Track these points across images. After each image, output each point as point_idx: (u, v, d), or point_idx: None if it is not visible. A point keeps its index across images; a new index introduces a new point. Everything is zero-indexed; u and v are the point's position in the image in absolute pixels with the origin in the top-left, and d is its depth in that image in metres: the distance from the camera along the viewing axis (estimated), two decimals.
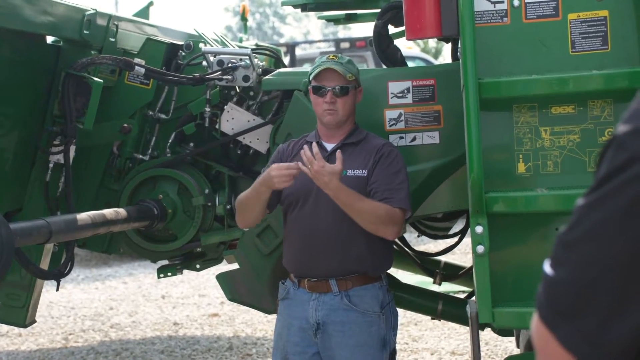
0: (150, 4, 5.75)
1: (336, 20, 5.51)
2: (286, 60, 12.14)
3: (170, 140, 4.57)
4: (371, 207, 3.38)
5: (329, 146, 3.57)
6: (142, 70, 4.25)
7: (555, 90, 3.30)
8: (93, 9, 4.35)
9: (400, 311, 3.81)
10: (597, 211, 1.12)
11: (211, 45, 4.61)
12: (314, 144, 3.40)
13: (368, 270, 3.51)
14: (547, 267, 1.17)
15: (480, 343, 3.90)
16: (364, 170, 3.49)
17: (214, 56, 4.31)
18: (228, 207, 4.49)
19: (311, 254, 3.51)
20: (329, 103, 3.51)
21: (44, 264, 4.43)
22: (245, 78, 4.27)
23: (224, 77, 4.26)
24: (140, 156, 4.58)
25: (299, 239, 3.55)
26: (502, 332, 4.64)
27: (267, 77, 4.25)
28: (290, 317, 3.57)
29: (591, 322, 1.12)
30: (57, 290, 4.75)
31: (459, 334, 6.50)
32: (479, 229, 3.22)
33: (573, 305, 1.13)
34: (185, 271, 5.19)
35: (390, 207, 3.40)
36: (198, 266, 5.06)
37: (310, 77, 3.56)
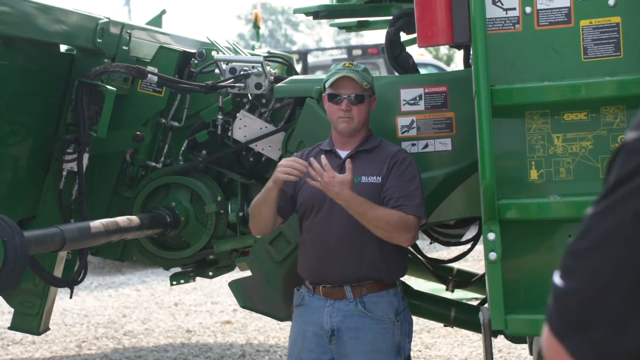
0: (163, 12, 5.77)
1: (348, 28, 5.52)
2: (299, 67, 12.16)
3: (182, 148, 4.59)
4: (384, 215, 3.37)
5: (343, 154, 3.58)
6: (155, 78, 4.26)
7: (567, 97, 3.30)
8: (106, 18, 4.37)
9: (413, 318, 3.81)
10: (606, 220, 1.11)
11: (223, 53, 4.62)
12: (323, 156, 3.40)
13: (383, 276, 3.51)
14: (556, 278, 1.16)
15: (494, 350, 3.89)
16: (378, 177, 3.49)
17: (226, 64, 4.32)
18: (240, 214, 4.50)
19: (325, 261, 3.52)
20: (345, 111, 3.52)
21: (58, 272, 4.44)
22: (258, 86, 4.28)
23: (236, 84, 4.27)
24: (153, 164, 4.60)
25: (313, 246, 3.55)
26: (515, 339, 4.62)
27: (279, 84, 4.26)
28: (305, 324, 3.57)
29: (601, 332, 1.11)
30: (71, 297, 4.77)
31: (472, 341, 6.48)
32: (491, 236, 3.21)
33: (583, 315, 1.12)
34: (197, 278, 5.20)
35: (403, 214, 3.39)
36: (211, 273, 5.07)
37: (326, 85, 3.57)
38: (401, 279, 3.71)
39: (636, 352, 1.11)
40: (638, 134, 1.11)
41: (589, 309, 1.11)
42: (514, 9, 3.37)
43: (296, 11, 5.11)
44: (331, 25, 5.70)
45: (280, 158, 4.31)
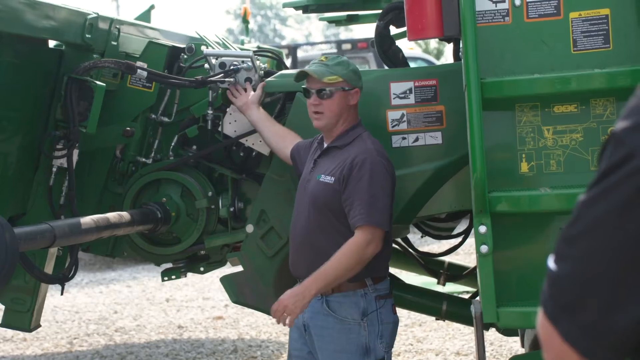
0: (152, 7, 5.75)
1: (337, 22, 5.52)
2: (288, 62, 12.14)
3: (173, 143, 4.57)
4: (340, 263, 3.33)
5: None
6: (145, 73, 4.25)
7: (557, 89, 3.31)
8: (95, 13, 4.35)
9: (404, 312, 3.82)
10: (597, 206, 1.14)
11: (213, 48, 4.61)
12: None
13: None
14: (550, 263, 1.19)
15: (485, 343, 3.90)
16: (331, 178, 3.47)
17: (216, 59, 4.31)
18: (231, 209, 4.49)
19: (295, 257, 3.58)
20: (314, 105, 3.54)
21: (48, 268, 4.43)
22: (248, 80, 4.27)
23: (226, 79, 4.26)
24: (143, 159, 4.58)
25: (290, 239, 3.62)
26: (507, 332, 4.64)
27: (269, 79, 4.25)
28: None
29: (591, 315, 1.13)
30: (62, 294, 4.76)
31: (464, 334, 6.49)
32: (482, 229, 3.22)
33: (574, 299, 1.15)
34: (189, 274, 5.19)
35: (352, 241, 3.35)
36: (202, 269, 5.06)
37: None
38: (392, 273, 3.72)
39: (625, 336, 1.13)
40: (627, 123, 1.14)
41: (579, 293, 1.14)
42: (504, 1, 3.37)
43: (285, 5, 5.10)
44: (320, 19, 5.70)
45: (271, 153, 4.31)
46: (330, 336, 3.47)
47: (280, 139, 3.93)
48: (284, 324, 3.38)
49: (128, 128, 4.46)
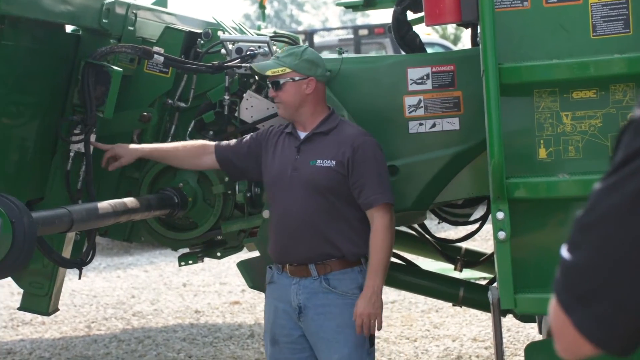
0: None
1: (354, 7, 5.49)
2: None
3: (189, 129, 4.57)
4: (384, 248, 3.51)
5: (302, 134, 3.66)
6: (161, 58, 4.25)
7: (576, 75, 3.28)
8: None
9: (421, 298, 3.82)
10: (613, 194, 1.12)
11: (230, 33, 4.60)
12: None
13: (345, 254, 3.57)
14: (564, 252, 1.17)
15: (502, 329, 3.89)
16: (332, 161, 3.54)
17: (233, 44, 4.31)
18: (248, 194, 4.49)
19: (288, 240, 3.62)
20: (271, 96, 3.65)
21: (66, 253, 4.45)
22: None
23: (243, 64, 4.25)
24: None
25: (277, 225, 3.67)
26: (524, 318, 4.63)
27: None
28: (276, 301, 3.68)
29: (606, 305, 1.12)
30: (80, 278, 4.78)
31: (480, 320, 6.48)
32: (500, 215, 3.21)
33: (589, 288, 1.14)
34: (206, 259, 5.20)
35: (380, 225, 3.49)
36: (219, 254, 5.07)
37: None
38: (407, 261, 3.75)
39: (638, 325, 1.11)
40: None
41: (594, 282, 1.13)
42: None
43: None
44: (337, 4, 5.67)
45: None
46: (331, 313, 3.55)
47: (193, 156, 3.95)
48: (378, 329, 3.53)
49: (145, 113, 4.46)
